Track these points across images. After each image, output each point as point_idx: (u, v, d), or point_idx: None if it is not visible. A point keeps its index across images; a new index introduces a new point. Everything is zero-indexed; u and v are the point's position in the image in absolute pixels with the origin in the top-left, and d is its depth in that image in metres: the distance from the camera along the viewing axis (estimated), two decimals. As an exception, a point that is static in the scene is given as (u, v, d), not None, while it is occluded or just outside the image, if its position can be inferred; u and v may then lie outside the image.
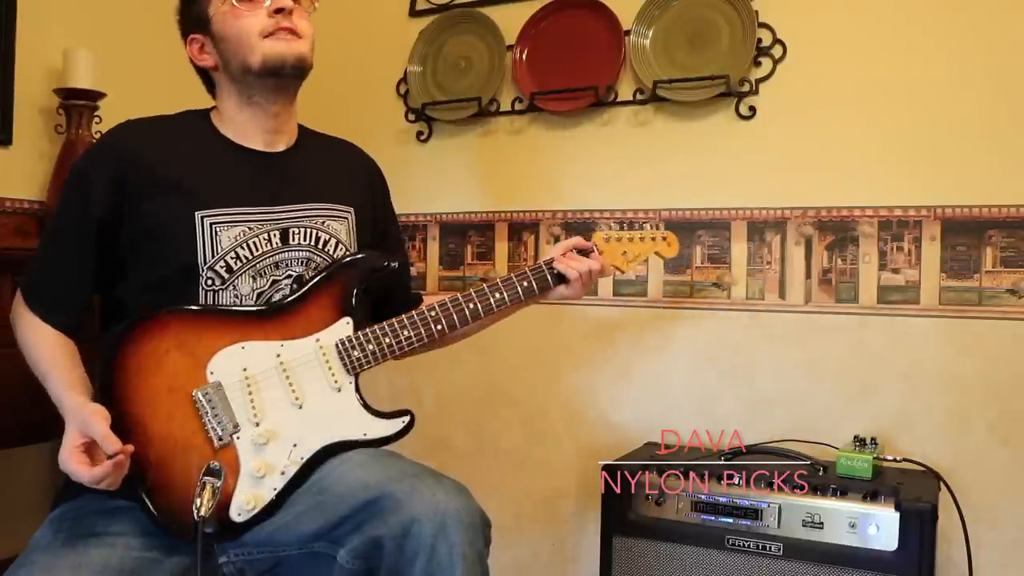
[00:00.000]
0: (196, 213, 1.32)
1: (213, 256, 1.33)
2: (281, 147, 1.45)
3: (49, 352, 1.30)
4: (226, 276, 1.34)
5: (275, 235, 1.38)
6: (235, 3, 1.34)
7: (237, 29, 1.34)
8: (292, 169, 1.44)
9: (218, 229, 1.33)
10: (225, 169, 1.39)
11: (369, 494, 1.21)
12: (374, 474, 1.24)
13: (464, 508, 1.20)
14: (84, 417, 1.18)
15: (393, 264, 1.42)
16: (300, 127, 1.50)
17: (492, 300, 1.44)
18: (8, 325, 1.36)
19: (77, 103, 1.96)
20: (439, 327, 1.40)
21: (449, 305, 1.41)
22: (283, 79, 1.37)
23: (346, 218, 1.48)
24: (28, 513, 1.86)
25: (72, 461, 1.16)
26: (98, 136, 1.98)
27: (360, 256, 1.43)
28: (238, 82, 1.39)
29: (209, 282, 1.33)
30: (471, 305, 1.42)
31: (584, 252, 1.52)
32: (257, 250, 1.36)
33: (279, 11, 1.34)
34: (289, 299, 1.36)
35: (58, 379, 1.26)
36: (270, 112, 1.40)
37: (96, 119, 1.99)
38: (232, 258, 1.34)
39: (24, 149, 1.98)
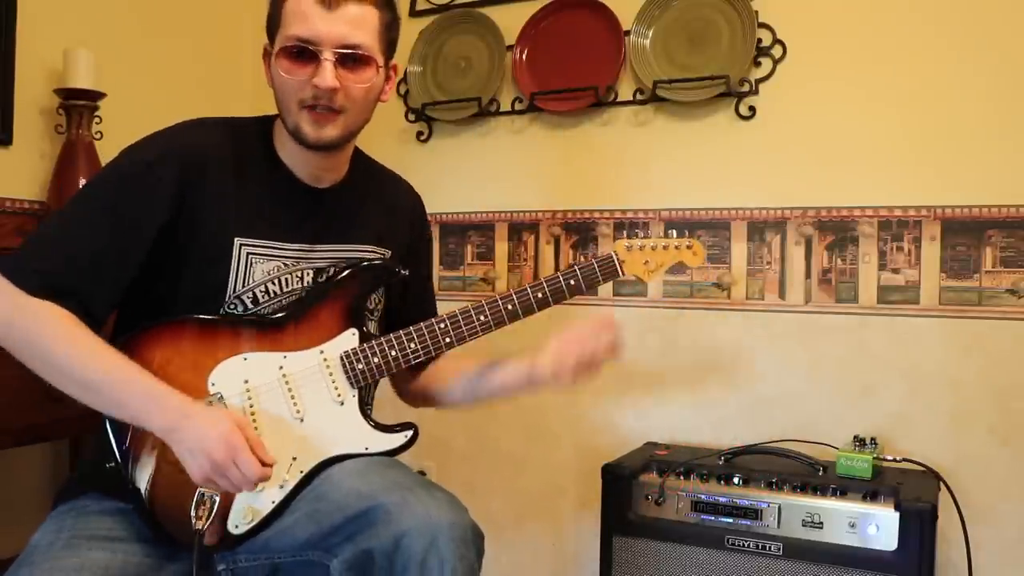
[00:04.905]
0: (236, 239, 1.29)
1: (243, 286, 1.30)
2: (329, 183, 1.38)
3: (104, 352, 1.18)
4: (250, 306, 1.31)
5: (308, 274, 1.36)
6: (285, 57, 1.25)
7: (281, 83, 1.27)
8: (338, 208, 1.39)
9: (254, 260, 1.31)
10: (273, 200, 1.34)
11: (362, 504, 1.20)
12: (368, 483, 1.23)
13: (455, 522, 1.18)
14: (238, 419, 1.18)
15: (403, 272, 1.38)
16: (355, 155, 1.43)
17: (504, 312, 1.39)
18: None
19: (77, 103, 1.95)
20: (447, 340, 1.36)
21: (459, 316, 1.37)
22: (312, 151, 1.31)
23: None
24: (28, 513, 1.86)
25: (246, 452, 1.15)
26: (99, 135, 1.98)
27: (364, 265, 1.39)
28: None
29: (231, 307, 1.30)
30: (481, 317, 1.38)
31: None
32: (287, 287, 1.34)
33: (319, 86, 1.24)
34: (293, 310, 1.33)
35: (148, 380, 1.18)
36: (315, 153, 1.33)
37: (96, 119, 1.99)
38: (261, 291, 1.32)
39: (24, 149, 1.98)
